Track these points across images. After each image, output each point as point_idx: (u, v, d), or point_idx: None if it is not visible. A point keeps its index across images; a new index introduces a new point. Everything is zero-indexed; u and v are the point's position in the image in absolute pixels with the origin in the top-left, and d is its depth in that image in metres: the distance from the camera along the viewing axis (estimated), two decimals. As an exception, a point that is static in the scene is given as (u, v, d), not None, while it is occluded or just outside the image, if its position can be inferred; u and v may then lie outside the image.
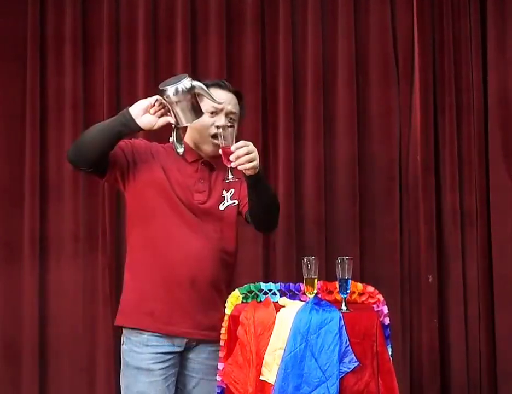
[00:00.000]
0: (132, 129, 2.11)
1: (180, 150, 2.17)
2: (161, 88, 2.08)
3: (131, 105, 2.15)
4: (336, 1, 3.45)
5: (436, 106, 3.49)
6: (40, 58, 3.31)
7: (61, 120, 3.32)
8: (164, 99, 2.08)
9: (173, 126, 2.14)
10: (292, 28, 3.42)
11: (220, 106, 2.25)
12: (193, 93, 2.08)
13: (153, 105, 2.10)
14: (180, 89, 2.05)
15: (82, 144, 2.17)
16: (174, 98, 2.06)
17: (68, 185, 3.31)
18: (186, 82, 2.06)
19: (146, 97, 2.16)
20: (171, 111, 2.10)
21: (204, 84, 2.13)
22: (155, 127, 2.12)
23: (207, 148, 2.28)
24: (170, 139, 2.16)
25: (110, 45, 3.31)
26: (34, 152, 3.28)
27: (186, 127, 2.29)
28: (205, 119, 2.23)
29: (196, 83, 2.10)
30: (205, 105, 2.20)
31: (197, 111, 2.10)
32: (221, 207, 2.28)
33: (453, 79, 3.48)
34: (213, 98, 2.15)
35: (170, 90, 2.05)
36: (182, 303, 2.21)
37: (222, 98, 2.24)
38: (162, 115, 2.11)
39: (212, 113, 2.26)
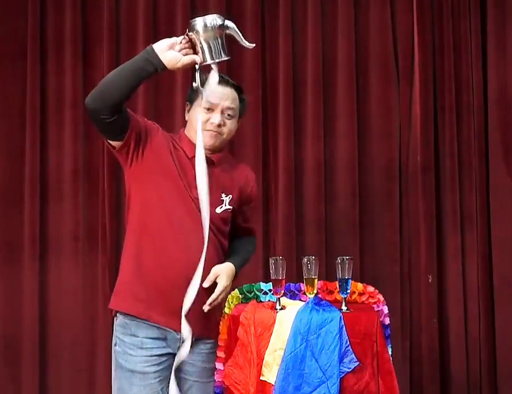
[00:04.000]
0: (155, 66, 2.04)
1: (206, 94, 2.12)
2: (191, 21, 2.05)
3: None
4: (336, 1, 3.45)
5: (436, 106, 3.49)
6: (40, 58, 3.31)
7: (61, 120, 3.32)
8: (193, 34, 2.03)
9: (197, 67, 2.08)
10: (292, 28, 3.42)
11: (219, 101, 2.20)
12: (223, 32, 2.05)
13: (180, 42, 2.05)
14: (209, 23, 2.02)
15: (103, 85, 2.12)
16: (201, 32, 2.02)
17: (68, 185, 3.31)
18: (217, 19, 2.04)
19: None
20: (197, 48, 2.04)
21: (201, 79, 2.08)
22: (179, 64, 2.05)
23: (204, 138, 2.19)
24: (194, 84, 2.10)
25: (110, 45, 3.31)
26: (34, 152, 3.28)
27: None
28: (202, 114, 2.21)
29: (228, 22, 2.07)
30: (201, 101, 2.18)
31: (223, 51, 2.06)
32: (218, 210, 2.26)
33: (453, 79, 3.48)
34: (244, 41, 2.11)
35: (199, 23, 2.02)
36: (178, 301, 2.13)
37: (219, 93, 2.22)
38: (187, 54, 2.06)
39: (208, 109, 2.23)
